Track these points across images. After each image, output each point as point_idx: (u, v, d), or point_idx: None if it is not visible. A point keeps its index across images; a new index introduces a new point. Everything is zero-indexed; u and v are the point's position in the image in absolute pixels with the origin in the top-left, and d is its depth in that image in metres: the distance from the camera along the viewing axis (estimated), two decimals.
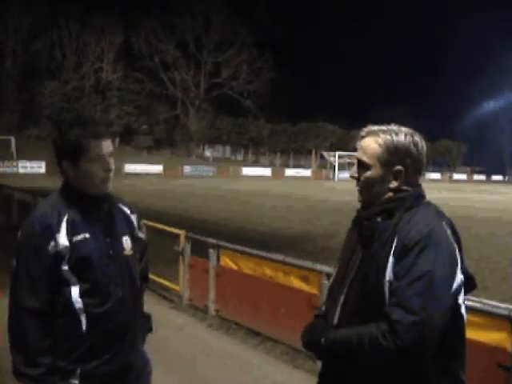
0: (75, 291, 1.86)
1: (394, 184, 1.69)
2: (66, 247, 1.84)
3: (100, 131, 1.91)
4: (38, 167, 39.56)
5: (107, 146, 1.91)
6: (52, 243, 1.83)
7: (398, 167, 1.67)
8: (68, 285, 1.86)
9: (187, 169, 48.74)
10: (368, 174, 1.70)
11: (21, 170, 38.83)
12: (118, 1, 54.67)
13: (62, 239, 1.84)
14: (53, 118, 49.40)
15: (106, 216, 1.99)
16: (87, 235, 1.89)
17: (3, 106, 50.31)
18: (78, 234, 1.87)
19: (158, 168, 45.83)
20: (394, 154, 1.67)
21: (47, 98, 51.71)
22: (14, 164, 39.73)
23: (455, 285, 1.55)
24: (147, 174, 42.46)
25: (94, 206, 1.96)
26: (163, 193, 24.11)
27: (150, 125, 58.79)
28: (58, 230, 1.85)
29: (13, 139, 42.68)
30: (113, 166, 1.93)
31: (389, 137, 1.68)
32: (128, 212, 2.12)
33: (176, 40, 60.88)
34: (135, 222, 2.14)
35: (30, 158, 39.90)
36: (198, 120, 61.60)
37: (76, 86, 54.96)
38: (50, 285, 1.85)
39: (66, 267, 1.85)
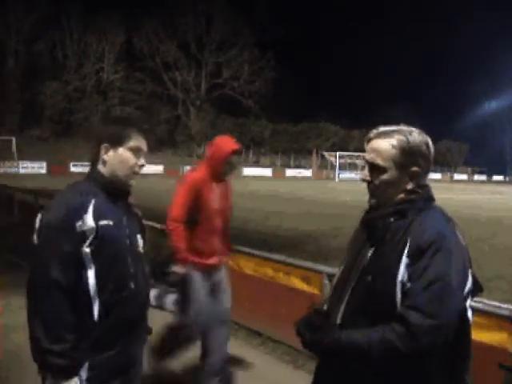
0: (91, 276, 1.87)
1: (410, 185, 1.66)
2: (92, 228, 1.87)
3: (146, 129, 2.07)
4: (39, 167, 39.60)
5: (146, 145, 2.06)
6: (80, 222, 1.85)
7: (414, 168, 1.65)
8: (85, 268, 1.87)
9: (188, 169, 48.66)
10: (384, 177, 1.66)
11: (22, 171, 38.77)
12: (120, 1, 54.86)
13: (89, 220, 1.87)
14: (54, 119, 49.39)
15: (127, 210, 2.08)
16: (111, 222, 1.92)
17: (5, 106, 50.21)
18: (104, 219, 1.91)
19: (158, 168, 45.77)
20: (408, 155, 1.64)
21: (49, 99, 51.66)
22: (15, 164, 39.71)
23: (467, 288, 1.55)
24: (148, 174, 42.44)
25: (119, 197, 2.03)
26: (164, 193, 23.99)
27: (151, 125, 58.80)
28: (85, 211, 1.87)
29: (14, 139, 42.67)
30: (145, 164, 2.04)
31: (403, 137, 1.64)
32: (140, 214, 2.22)
33: (177, 40, 60.91)
34: (144, 224, 2.24)
35: (31, 159, 39.90)
36: (199, 120, 61.59)
37: (77, 87, 54.95)
38: (75, 263, 1.84)
39: (87, 249, 1.86)
